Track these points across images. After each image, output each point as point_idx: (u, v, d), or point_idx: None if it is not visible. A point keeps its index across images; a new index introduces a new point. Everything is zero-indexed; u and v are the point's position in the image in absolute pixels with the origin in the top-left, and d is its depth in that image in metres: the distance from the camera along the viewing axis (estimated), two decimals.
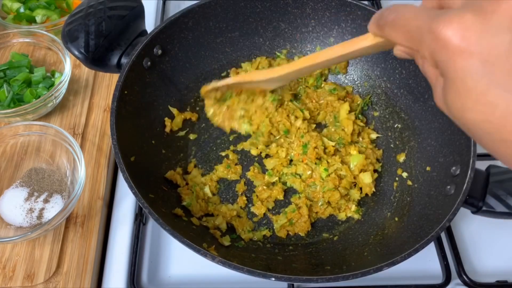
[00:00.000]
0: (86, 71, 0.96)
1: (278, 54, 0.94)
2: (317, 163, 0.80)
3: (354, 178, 0.80)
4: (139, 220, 0.78)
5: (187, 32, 0.84)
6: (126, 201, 0.81)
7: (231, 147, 0.85)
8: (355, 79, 0.92)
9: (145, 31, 0.82)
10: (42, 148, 0.83)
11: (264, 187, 0.79)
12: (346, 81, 0.93)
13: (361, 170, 0.80)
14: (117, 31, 0.76)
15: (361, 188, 0.80)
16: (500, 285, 0.74)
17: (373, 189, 0.80)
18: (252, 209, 0.78)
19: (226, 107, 0.78)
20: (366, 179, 0.79)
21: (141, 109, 0.78)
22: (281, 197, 0.79)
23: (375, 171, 0.83)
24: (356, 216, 0.78)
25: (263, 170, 0.82)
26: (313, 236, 0.77)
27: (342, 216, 0.78)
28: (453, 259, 0.75)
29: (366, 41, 0.48)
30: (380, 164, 0.84)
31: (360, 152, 0.83)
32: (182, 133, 0.86)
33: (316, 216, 0.79)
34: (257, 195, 0.79)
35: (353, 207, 0.78)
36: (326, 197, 0.78)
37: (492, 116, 0.31)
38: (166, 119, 0.84)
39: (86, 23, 0.74)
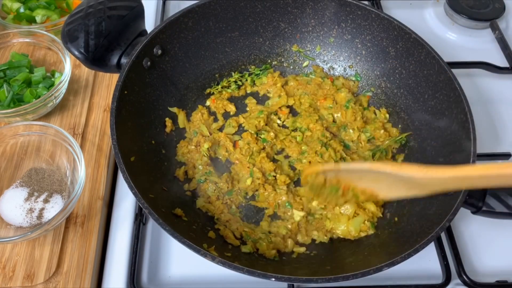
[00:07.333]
0: (86, 71, 0.96)
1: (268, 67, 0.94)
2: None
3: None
4: (139, 220, 0.77)
5: (187, 32, 0.84)
6: (126, 201, 0.81)
7: None
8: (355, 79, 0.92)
9: (145, 31, 0.82)
10: (42, 148, 0.83)
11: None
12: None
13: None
14: (117, 31, 0.76)
15: None
16: (500, 285, 0.74)
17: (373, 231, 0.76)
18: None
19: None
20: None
21: (141, 109, 0.78)
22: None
23: None
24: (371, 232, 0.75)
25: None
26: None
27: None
28: (453, 259, 0.75)
29: None
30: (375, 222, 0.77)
31: None
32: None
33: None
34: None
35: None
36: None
37: None
38: (166, 119, 0.84)
39: (86, 23, 0.73)
